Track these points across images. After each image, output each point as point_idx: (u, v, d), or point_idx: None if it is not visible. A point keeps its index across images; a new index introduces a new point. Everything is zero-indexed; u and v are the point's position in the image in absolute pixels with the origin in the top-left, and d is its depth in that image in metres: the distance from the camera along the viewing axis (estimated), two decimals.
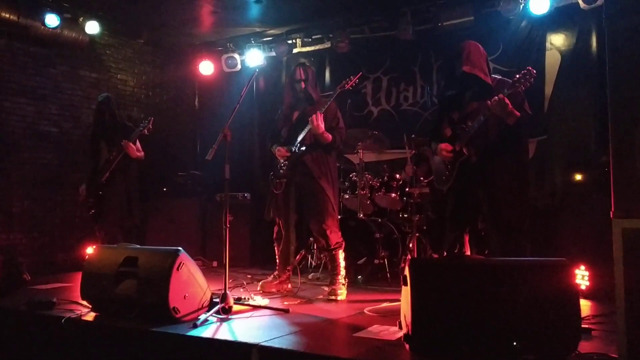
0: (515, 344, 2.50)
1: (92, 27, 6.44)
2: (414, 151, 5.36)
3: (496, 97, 3.46)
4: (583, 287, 4.12)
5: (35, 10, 5.98)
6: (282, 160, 4.51)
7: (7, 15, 5.80)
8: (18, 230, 6.15)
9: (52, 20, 6.00)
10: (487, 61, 3.81)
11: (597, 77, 5.23)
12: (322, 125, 4.27)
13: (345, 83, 4.43)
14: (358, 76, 4.51)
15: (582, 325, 2.75)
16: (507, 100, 3.44)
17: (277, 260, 4.65)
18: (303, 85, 4.51)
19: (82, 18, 6.44)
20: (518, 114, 3.51)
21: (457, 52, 3.73)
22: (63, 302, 3.94)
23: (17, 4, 5.87)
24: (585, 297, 4.04)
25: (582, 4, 5.20)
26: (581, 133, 5.40)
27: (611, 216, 2.28)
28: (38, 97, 6.39)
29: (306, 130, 4.35)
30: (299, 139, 4.40)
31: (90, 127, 5.77)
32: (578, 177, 4.91)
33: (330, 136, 4.37)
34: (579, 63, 5.48)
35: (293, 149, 4.43)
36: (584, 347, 2.67)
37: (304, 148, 4.40)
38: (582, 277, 4.17)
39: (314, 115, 4.25)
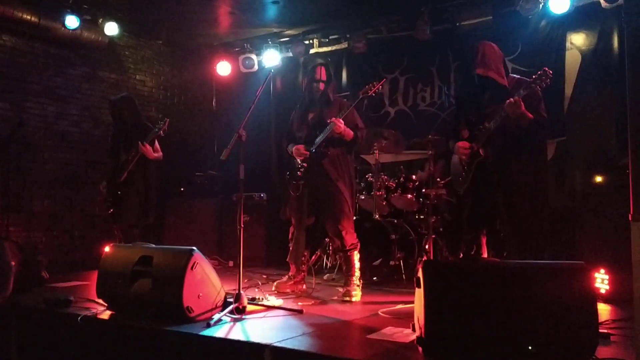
0: (530, 348, 2.45)
1: (112, 29, 6.53)
2: (430, 152, 5.31)
3: (511, 100, 3.45)
4: (603, 291, 4.05)
5: (56, 12, 6.08)
6: (299, 161, 4.48)
7: (28, 17, 5.90)
8: (38, 228, 6.26)
9: (72, 21, 6.08)
10: (503, 62, 3.80)
11: (618, 77, 5.14)
12: (342, 126, 4.25)
13: (369, 89, 4.30)
14: (382, 82, 4.44)
15: (601, 330, 2.70)
16: (520, 102, 3.43)
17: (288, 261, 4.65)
18: (322, 86, 4.45)
19: (101, 19, 6.53)
20: (531, 116, 3.52)
21: (472, 54, 3.74)
22: (80, 300, 3.97)
23: (38, 6, 5.97)
24: (606, 301, 3.97)
25: (603, 3, 5.10)
26: (601, 134, 5.31)
27: (630, 218, 2.23)
28: (58, 98, 6.49)
29: (326, 132, 4.30)
30: (318, 140, 4.36)
31: (110, 127, 5.84)
32: (598, 179, 4.81)
33: (352, 132, 4.34)
34: (600, 63, 5.37)
35: (312, 150, 4.40)
36: (602, 352, 2.62)
37: (322, 149, 4.38)
38: (602, 280, 4.09)
39: (335, 120, 4.20)
